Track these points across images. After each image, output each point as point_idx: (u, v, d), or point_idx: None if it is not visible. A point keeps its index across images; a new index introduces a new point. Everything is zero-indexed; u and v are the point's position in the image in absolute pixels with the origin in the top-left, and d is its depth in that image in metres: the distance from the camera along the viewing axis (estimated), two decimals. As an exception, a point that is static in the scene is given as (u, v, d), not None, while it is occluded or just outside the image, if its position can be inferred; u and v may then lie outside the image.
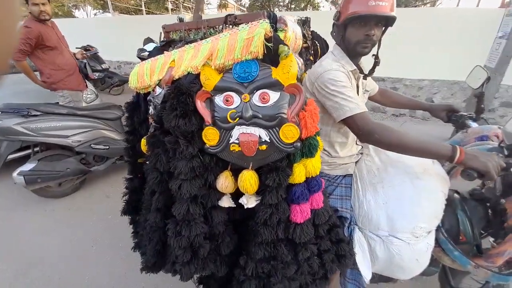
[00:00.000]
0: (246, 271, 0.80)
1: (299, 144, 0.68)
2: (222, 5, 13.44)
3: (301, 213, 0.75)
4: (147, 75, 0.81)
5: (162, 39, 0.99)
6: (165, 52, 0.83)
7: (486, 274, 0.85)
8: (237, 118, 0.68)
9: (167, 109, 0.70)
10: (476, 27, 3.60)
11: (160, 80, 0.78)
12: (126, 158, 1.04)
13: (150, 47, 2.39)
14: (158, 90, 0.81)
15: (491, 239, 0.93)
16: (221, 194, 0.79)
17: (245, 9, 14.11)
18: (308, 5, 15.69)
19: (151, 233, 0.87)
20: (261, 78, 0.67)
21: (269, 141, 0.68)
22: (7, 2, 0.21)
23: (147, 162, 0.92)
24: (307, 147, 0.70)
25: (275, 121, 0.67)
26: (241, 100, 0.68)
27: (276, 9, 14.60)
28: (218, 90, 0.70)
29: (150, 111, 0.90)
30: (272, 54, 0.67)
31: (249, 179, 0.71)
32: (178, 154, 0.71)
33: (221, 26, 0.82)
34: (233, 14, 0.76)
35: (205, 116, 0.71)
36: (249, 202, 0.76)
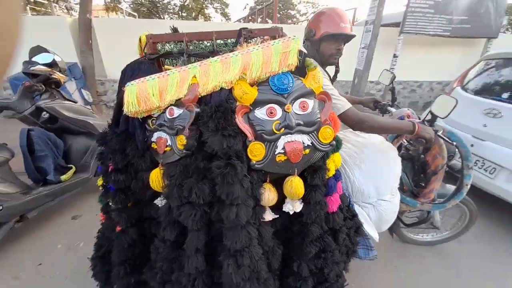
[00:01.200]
0: (302, 274, 0.82)
1: (334, 142, 0.78)
2: (111, 8, 11.44)
3: (335, 202, 0.86)
4: (155, 96, 0.67)
5: (145, 50, 0.82)
6: (170, 68, 0.71)
7: (429, 206, 1.27)
8: (282, 129, 0.70)
9: (212, 130, 0.62)
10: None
11: (177, 100, 0.67)
12: (115, 205, 0.79)
13: (44, 58, 1.80)
14: (176, 111, 0.68)
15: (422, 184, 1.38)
16: (264, 209, 0.77)
17: (135, 14, 12.59)
18: (200, 15, 15.98)
19: (192, 283, 0.72)
20: (297, 89, 0.72)
21: (311, 144, 0.74)
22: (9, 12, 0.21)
23: (160, 201, 0.76)
24: (336, 144, 0.81)
25: (314, 126, 0.74)
26: (283, 110, 0.70)
27: (167, 16, 13.95)
28: (259, 103, 0.69)
29: (153, 139, 0.73)
30: (300, 66, 0.73)
31: (298, 184, 0.74)
32: (230, 178, 0.64)
33: (231, 40, 0.79)
34: (247, 28, 0.76)
35: (247, 131, 0.68)
36: (295, 206, 0.79)
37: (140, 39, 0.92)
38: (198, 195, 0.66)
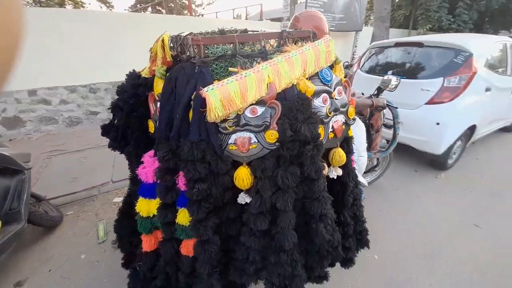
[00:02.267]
0: (347, 221, 1.06)
1: (355, 117, 1.04)
2: None
3: (353, 160, 1.14)
4: (238, 98, 0.71)
5: (189, 53, 0.76)
6: (244, 70, 0.74)
7: (378, 155, 1.80)
8: (332, 112, 0.89)
9: (301, 121, 0.73)
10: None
11: (259, 99, 0.73)
12: (199, 217, 0.75)
13: None
14: (259, 109, 0.74)
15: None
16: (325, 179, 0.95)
17: None
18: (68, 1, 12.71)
19: (291, 256, 0.82)
20: (334, 79, 0.92)
21: (345, 121, 0.97)
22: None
23: (243, 198, 0.80)
24: (353, 119, 1.07)
25: (346, 107, 0.97)
26: (329, 97, 0.89)
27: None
28: (316, 94, 0.84)
29: (231, 140, 0.75)
30: (328, 61, 0.93)
31: (342, 153, 0.96)
32: (317, 158, 0.78)
33: (272, 41, 0.87)
34: (285, 30, 0.86)
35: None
36: (338, 171, 1.01)
37: (162, 40, 0.85)
38: (291, 179, 0.77)
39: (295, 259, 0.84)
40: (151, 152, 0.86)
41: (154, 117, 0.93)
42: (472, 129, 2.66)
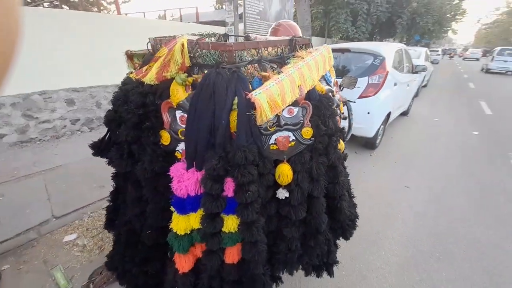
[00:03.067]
0: (342, 193, 1.26)
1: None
2: None
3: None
4: (280, 100, 0.77)
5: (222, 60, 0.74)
6: (276, 73, 0.79)
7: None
8: (335, 108, 1.05)
9: (328, 117, 0.85)
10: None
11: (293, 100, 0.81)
12: (254, 217, 0.75)
13: None
14: (295, 110, 0.81)
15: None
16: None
17: None
18: None
19: (327, 236, 0.93)
20: (333, 80, 1.08)
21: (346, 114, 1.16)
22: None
23: (282, 193, 0.86)
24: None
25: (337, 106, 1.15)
26: (332, 95, 1.04)
27: None
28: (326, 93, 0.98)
29: (271, 141, 0.79)
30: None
31: (342, 144, 1.14)
32: (337, 146, 0.92)
33: (283, 46, 0.95)
34: (295, 38, 0.96)
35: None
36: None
37: (182, 45, 0.81)
38: (322, 169, 0.88)
39: (328, 238, 0.96)
40: (179, 165, 0.80)
41: (172, 127, 0.86)
42: (388, 115, 3.45)
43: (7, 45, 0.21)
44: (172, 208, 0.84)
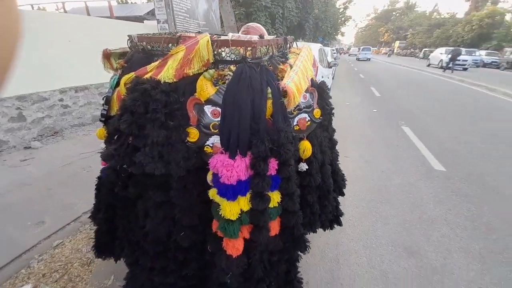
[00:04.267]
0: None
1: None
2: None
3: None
4: (300, 88, 0.93)
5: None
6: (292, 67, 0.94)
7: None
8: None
9: (329, 98, 1.07)
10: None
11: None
12: (294, 190, 0.88)
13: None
14: (307, 95, 0.98)
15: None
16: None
17: None
18: None
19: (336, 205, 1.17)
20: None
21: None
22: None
23: (302, 166, 1.04)
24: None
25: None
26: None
27: None
28: (315, 82, 1.20)
29: (294, 123, 0.95)
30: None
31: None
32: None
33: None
34: (289, 36, 1.11)
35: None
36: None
37: (207, 42, 0.85)
38: (327, 142, 1.10)
39: (334, 196, 1.20)
40: (221, 156, 0.84)
41: (201, 123, 0.87)
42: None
43: (6, 47, 0.21)
44: (217, 198, 0.87)
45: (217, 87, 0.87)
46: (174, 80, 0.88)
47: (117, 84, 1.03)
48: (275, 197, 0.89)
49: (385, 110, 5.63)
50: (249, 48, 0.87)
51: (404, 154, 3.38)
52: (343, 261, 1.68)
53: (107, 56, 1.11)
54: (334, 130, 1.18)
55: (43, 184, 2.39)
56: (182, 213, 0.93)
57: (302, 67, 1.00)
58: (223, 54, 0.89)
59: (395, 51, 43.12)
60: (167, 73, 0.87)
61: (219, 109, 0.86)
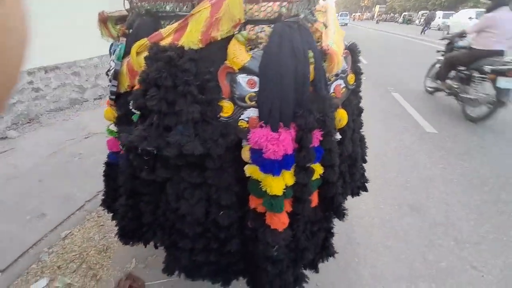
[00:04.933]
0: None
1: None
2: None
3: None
4: (339, 52, 0.85)
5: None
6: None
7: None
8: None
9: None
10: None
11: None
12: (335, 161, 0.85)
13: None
14: (344, 64, 0.91)
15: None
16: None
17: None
18: None
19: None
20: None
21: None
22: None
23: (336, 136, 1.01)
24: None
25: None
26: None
27: None
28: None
29: (331, 89, 0.88)
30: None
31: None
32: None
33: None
34: None
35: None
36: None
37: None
38: (357, 109, 1.06)
39: (361, 164, 1.20)
40: (262, 131, 0.77)
41: (235, 95, 0.78)
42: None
43: (17, 40, 0.19)
44: (258, 175, 0.82)
45: (251, 53, 0.77)
46: (200, 45, 0.76)
47: (125, 54, 0.88)
48: (318, 169, 0.86)
49: (373, 77, 5.65)
50: (284, 4, 0.76)
51: (396, 119, 3.49)
52: (355, 223, 1.78)
53: (104, 20, 0.93)
54: (360, 97, 1.13)
55: (32, 176, 2.20)
56: (219, 193, 0.88)
57: (337, 27, 0.91)
58: (253, 11, 0.77)
59: (375, 16, 42.34)
60: (191, 37, 0.75)
61: (255, 78, 0.77)
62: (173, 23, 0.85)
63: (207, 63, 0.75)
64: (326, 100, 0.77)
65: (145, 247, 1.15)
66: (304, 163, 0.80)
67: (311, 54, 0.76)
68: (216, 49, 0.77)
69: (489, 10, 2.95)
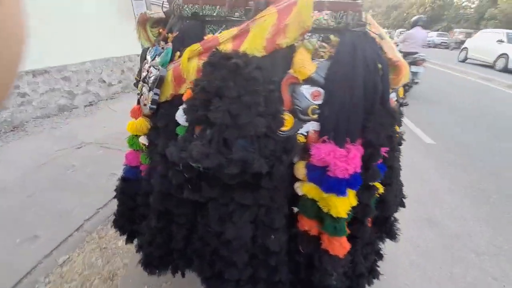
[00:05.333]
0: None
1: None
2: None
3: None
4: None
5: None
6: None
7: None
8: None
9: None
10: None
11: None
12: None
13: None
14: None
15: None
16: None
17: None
18: None
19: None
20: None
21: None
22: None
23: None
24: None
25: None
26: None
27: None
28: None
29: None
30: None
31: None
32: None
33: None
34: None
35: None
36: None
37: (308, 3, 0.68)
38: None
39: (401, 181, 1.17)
40: (328, 146, 0.71)
41: (297, 107, 0.72)
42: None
43: (13, 45, 0.19)
44: (318, 194, 0.75)
45: (316, 63, 0.71)
46: (264, 53, 0.69)
47: (171, 60, 0.79)
48: (379, 188, 0.81)
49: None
50: (351, 13, 0.72)
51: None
52: (376, 238, 1.73)
53: (144, 22, 0.84)
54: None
55: (20, 190, 1.97)
56: (271, 214, 0.80)
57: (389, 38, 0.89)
58: (320, 19, 0.72)
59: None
60: (255, 44, 0.69)
61: (320, 90, 0.71)
62: (224, 29, 0.79)
63: (269, 72, 0.69)
64: (395, 114, 0.73)
65: (174, 276, 1.01)
66: (369, 181, 0.74)
67: (379, 65, 0.72)
68: (280, 57, 0.71)
69: (409, 28, 4.96)
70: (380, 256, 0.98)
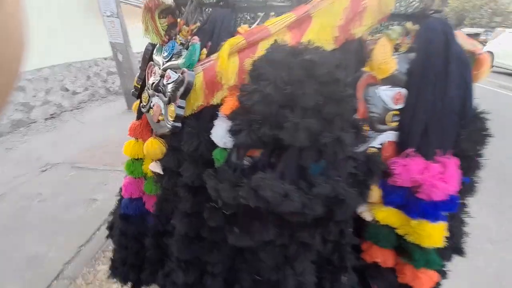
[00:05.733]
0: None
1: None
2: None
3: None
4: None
5: None
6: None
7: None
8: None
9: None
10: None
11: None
12: None
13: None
14: None
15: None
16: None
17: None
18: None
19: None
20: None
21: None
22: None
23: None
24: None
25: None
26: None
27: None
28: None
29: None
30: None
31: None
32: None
33: None
34: None
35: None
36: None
37: None
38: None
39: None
40: (416, 161, 0.56)
41: (377, 114, 0.56)
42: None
43: (14, 48, 0.19)
44: (398, 221, 0.61)
45: (396, 57, 0.56)
46: (334, 46, 0.52)
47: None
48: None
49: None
50: (428, -5, 0.58)
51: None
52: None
53: (153, 10, 0.61)
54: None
55: (-31, 234, 1.54)
56: (342, 252, 0.63)
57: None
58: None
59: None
60: (324, 34, 0.52)
61: (403, 91, 0.56)
62: (263, 18, 0.60)
63: (348, 72, 0.52)
64: (480, 118, 0.60)
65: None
66: (463, 200, 0.61)
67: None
68: (353, 51, 0.54)
69: None
70: (444, 274, 0.87)
